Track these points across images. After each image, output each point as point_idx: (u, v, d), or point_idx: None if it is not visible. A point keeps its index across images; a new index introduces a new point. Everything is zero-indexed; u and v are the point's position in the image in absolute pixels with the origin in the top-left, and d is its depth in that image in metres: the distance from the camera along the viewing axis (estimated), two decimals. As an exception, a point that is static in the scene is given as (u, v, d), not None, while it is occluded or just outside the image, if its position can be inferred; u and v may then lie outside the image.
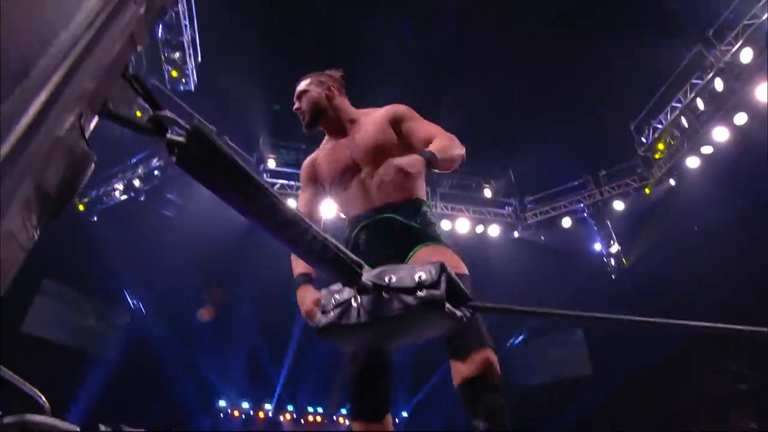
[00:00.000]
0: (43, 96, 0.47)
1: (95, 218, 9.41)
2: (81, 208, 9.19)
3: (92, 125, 0.58)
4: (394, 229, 2.00)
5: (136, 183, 9.05)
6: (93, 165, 0.56)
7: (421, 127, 2.10)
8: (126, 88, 0.63)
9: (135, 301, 10.84)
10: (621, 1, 10.14)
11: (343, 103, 2.29)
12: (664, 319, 1.27)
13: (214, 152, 0.67)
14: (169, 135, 0.65)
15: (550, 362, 11.92)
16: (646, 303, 9.43)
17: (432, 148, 1.86)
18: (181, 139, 0.65)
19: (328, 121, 2.26)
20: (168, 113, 0.63)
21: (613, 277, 10.55)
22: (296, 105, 2.27)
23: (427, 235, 1.98)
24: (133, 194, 9.14)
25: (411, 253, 1.90)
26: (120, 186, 9.13)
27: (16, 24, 0.50)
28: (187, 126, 0.65)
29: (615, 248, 10.36)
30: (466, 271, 1.78)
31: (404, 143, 2.09)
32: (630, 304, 9.18)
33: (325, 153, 2.26)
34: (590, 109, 10.65)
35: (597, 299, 10.18)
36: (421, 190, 2.13)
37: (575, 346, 11.66)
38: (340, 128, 2.24)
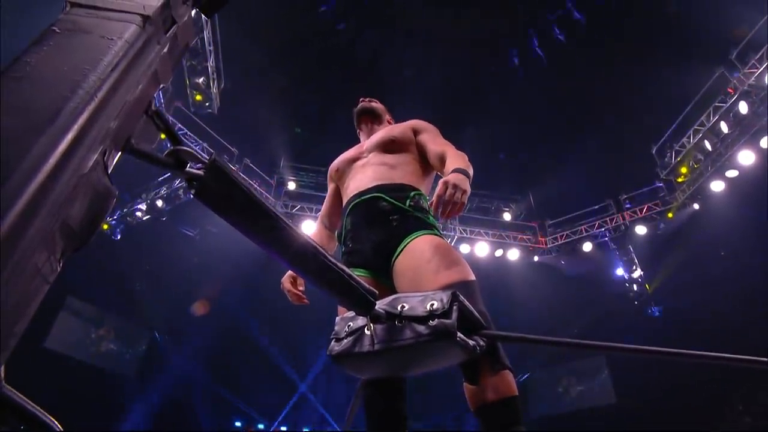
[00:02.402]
0: (70, 136, 0.50)
1: (118, 237, 9.61)
2: (105, 227, 9.41)
3: (115, 160, 0.61)
4: (379, 208, 1.91)
5: (159, 204, 9.23)
6: (114, 200, 0.59)
7: (437, 140, 2.14)
8: (148, 124, 0.66)
9: (153, 321, 10.95)
10: (642, 24, 10.14)
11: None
12: (686, 351, 1.24)
13: (231, 186, 0.69)
14: (188, 169, 0.67)
15: (573, 391, 11.62)
16: (671, 330, 9.18)
17: (457, 164, 1.79)
18: (200, 173, 0.67)
19: (371, 129, 2.42)
20: (187, 148, 0.66)
21: (636, 303, 10.31)
22: (367, 98, 2.56)
23: (420, 220, 1.87)
24: (155, 214, 9.32)
25: (404, 242, 1.79)
26: (143, 206, 9.32)
27: (50, 69, 0.53)
28: (206, 160, 0.67)
29: (637, 273, 10.16)
30: (471, 276, 1.64)
31: (419, 150, 2.16)
32: (654, 330, 8.95)
33: (347, 151, 2.38)
34: (611, 132, 10.59)
35: (620, 325, 9.94)
36: (419, 181, 2.07)
37: (598, 373, 11.37)
38: (373, 133, 2.38)
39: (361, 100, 2.54)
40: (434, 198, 1.61)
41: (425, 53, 10.86)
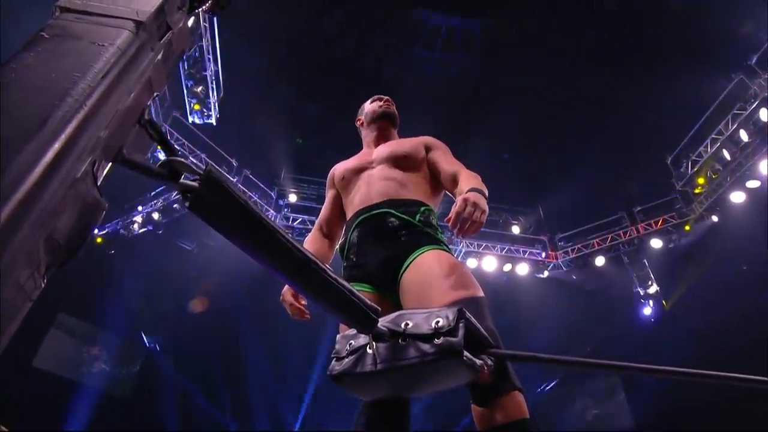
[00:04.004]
0: (57, 145, 0.49)
1: (113, 251, 9.60)
2: (99, 240, 9.43)
3: (105, 171, 0.61)
4: (389, 223, 1.92)
5: (156, 216, 9.25)
6: (104, 213, 0.59)
7: (449, 159, 2.17)
8: (141, 134, 0.66)
9: (150, 342, 10.92)
10: (656, 30, 10.17)
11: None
12: (704, 371, 1.22)
13: (227, 198, 0.69)
14: (182, 180, 0.67)
15: (587, 414, 11.46)
16: (690, 349, 9.06)
17: (472, 184, 1.83)
18: (194, 184, 0.67)
19: (384, 134, 2.41)
20: (181, 159, 0.65)
21: (652, 320, 10.20)
22: (385, 98, 2.52)
23: (429, 236, 1.89)
24: (152, 227, 9.33)
25: (412, 257, 1.81)
26: (139, 219, 9.33)
27: (37, 75, 0.53)
28: (201, 172, 0.67)
29: (653, 289, 10.06)
30: (480, 292, 1.66)
31: (429, 168, 2.19)
32: (673, 349, 8.84)
33: (351, 158, 2.39)
34: (624, 141, 10.58)
35: (635, 344, 9.83)
36: (429, 199, 2.10)
37: (614, 395, 11.22)
38: (385, 140, 2.39)
39: (385, 101, 2.50)
40: (453, 214, 1.64)
41: (429, 59, 10.92)
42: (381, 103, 2.48)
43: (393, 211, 1.95)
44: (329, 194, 2.36)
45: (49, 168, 0.49)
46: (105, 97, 0.57)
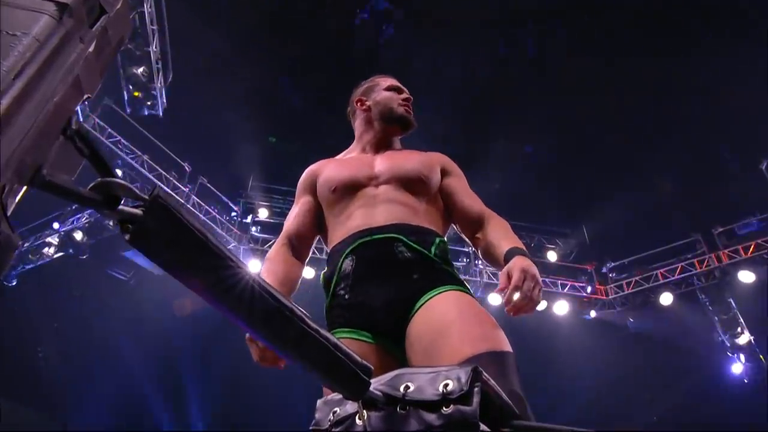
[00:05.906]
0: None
1: (14, 283, 9.47)
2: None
3: (18, 198, 0.61)
4: (398, 254, 1.98)
5: (78, 236, 9.17)
6: (15, 251, 0.59)
7: (468, 191, 2.33)
8: (67, 149, 0.67)
9: (63, 405, 10.70)
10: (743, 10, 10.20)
11: None
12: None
13: (179, 229, 0.69)
14: (121, 207, 0.67)
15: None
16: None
17: (511, 241, 2.02)
18: (137, 212, 0.67)
19: (395, 139, 2.53)
20: (120, 181, 0.66)
21: (745, 381, 10.09)
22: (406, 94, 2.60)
23: (447, 273, 1.98)
24: (72, 251, 9.25)
25: (424, 299, 1.87)
26: (55, 240, 9.25)
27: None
28: (146, 196, 0.67)
29: (745, 339, 9.96)
30: (506, 346, 1.72)
31: (442, 196, 2.30)
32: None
33: (340, 160, 2.48)
34: (698, 141, 10.59)
35: (721, 414, 9.72)
36: (441, 230, 2.21)
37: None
38: (387, 146, 2.48)
39: (407, 101, 2.54)
40: (508, 288, 1.77)
41: (443, 40, 11.00)
42: (402, 101, 2.52)
43: (403, 238, 2.00)
44: (304, 199, 2.38)
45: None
46: (19, 104, 0.56)
